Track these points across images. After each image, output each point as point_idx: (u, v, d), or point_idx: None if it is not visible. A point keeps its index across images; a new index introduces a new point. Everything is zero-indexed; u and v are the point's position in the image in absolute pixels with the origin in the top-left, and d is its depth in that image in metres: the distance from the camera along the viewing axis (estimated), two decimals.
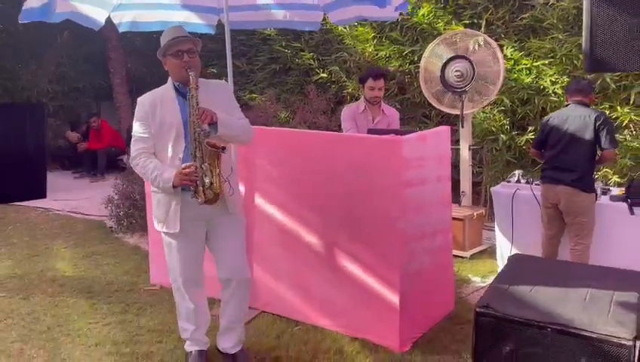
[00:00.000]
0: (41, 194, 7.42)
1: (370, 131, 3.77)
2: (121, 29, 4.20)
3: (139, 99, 2.84)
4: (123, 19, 4.16)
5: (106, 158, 8.85)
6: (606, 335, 1.91)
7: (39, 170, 7.54)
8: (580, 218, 3.76)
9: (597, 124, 3.71)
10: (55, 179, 7.91)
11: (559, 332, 1.98)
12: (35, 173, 7.43)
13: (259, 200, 3.65)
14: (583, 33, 2.35)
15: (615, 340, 1.89)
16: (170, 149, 2.77)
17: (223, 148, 2.67)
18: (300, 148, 3.52)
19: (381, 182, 3.16)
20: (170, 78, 2.84)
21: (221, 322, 3.08)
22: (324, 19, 4.56)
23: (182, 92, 2.80)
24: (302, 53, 7.41)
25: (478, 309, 2.15)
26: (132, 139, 2.82)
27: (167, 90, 2.83)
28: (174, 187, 2.68)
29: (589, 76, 5.23)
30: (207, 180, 2.64)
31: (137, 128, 2.80)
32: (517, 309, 2.10)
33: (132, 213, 5.54)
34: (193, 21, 4.45)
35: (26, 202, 6.75)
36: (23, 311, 3.77)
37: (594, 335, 1.93)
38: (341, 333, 3.39)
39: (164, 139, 2.77)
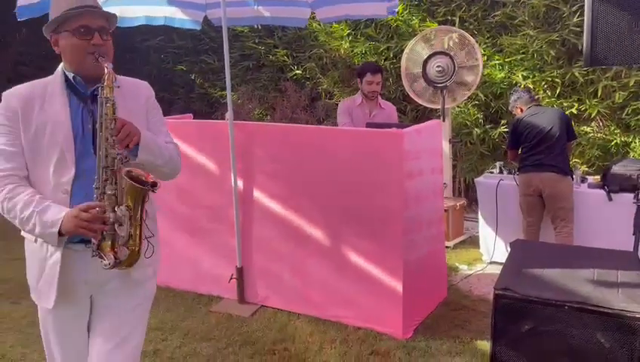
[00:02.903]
0: None
1: (368, 125, 3.86)
2: None
3: (5, 94, 1.87)
4: None
5: None
6: (620, 310, 2.05)
7: None
8: (564, 203, 4.01)
9: (565, 120, 4.14)
10: None
11: (577, 309, 2.11)
12: None
13: (259, 194, 3.68)
14: (585, 29, 2.49)
15: (629, 314, 2.03)
16: (51, 176, 1.81)
17: (154, 185, 1.77)
18: (303, 142, 3.57)
19: (384, 174, 3.25)
20: (61, 67, 1.91)
21: None
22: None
23: (78, 89, 1.89)
24: (275, 50, 7.42)
25: (497, 291, 2.26)
26: None
27: (53, 84, 1.88)
28: (61, 235, 1.73)
29: (561, 69, 5.50)
30: (122, 232, 1.74)
31: (1, 140, 1.82)
32: (535, 290, 2.22)
33: None
34: (179, 17, 4.43)
35: None
36: (16, 315, 3.66)
37: (609, 311, 2.06)
38: (344, 323, 3.47)
39: (42, 158, 1.82)
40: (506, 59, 5.80)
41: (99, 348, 1.91)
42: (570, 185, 4.05)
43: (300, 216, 3.58)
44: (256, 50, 7.59)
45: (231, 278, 3.76)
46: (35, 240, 1.84)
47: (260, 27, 7.30)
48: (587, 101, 5.45)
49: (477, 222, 4.90)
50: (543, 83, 5.63)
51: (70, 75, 1.88)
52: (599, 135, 5.50)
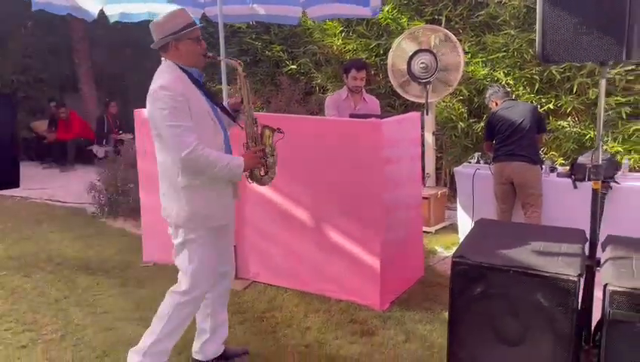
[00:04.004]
0: (15, 183, 7.50)
1: (352, 116, 4.18)
2: (112, 20, 4.50)
3: (165, 85, 2.53)
4: (114, 12, 4.45)
5: (75, 148, 8.93)
6: (557, 273, 2.38)
7: (12, 159, 7.61)
8: (533, 190, 4.34)
9: (536, 113, 4.49)
10: (25, 170, 7.92)
11: (520, 273, 2.44)
12: (7, 162, 7.50)
13: None
14: (537, 30, 2.82)
15: (564, 277, 2.36)
16: (211, 140, 2.65)
17: (279, 129, 2.82)
18: (291, 131, 3.86)
19: (364, 160, 3.58)
20: (172, 65, 2.63)
21: (212, 322, 3.01)
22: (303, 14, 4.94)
23: (197, 79, 2.69)
24: (272, 46, 7.73)
25: (454, 259, 2.58)
26: (177, 130, 2.50)
27: (182, 76, 2.61)
28: (244, 172, 2.72)
29: (539, 67, 5.82)
30: (272, 160, 2.80)
31: (179, 118, 2.51)
32: (486, 257, 2.55)
33: (116, 198, 5.79)
34: None
35: None
36: (28, 286, 4.00)
37: (548, 274, 2.39)
38: (327, 296, 3.80)
39: (204, 128, 2.62)
40: (489, 57, 6.13)
41: (230, 240, 3.00)
42: (538, 174, 4.38)
43: (290, 200, 3.90)
44: (253, 45, 7.91)
45: None
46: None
47: (255, 24, 7.61)
48: (563, 97, 5.77)
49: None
50: (523, 80, 5.95)
51: (194, 71, 2.67)
52: (575, 129, 5.82)
